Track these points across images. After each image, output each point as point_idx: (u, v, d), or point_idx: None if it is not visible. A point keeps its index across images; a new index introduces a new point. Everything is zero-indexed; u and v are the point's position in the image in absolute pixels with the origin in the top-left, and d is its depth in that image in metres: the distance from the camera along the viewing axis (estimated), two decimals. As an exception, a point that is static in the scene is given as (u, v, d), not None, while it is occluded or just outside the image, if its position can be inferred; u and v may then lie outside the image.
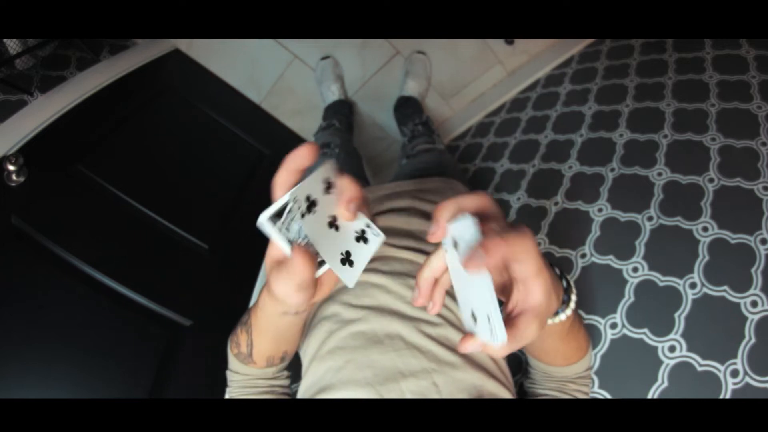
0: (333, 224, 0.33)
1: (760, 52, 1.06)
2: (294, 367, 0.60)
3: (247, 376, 0.55)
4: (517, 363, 0.66)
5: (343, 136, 1.26)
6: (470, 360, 0.52)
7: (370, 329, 0.52)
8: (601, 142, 1.14)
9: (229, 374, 0.57)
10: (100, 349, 0.82)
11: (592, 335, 0.78)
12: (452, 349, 0.52)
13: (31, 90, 1.03)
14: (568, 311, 0.40)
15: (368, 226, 0.35)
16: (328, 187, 0.32)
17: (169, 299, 0.94)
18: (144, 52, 1.37)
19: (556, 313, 0.40)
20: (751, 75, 1.02)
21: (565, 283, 0.39)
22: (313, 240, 0.30)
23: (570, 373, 0.53)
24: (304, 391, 0.53)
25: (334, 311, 0.56)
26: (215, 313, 1.00)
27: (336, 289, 0.58)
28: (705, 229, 0.80)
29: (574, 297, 0.40)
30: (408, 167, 1.02)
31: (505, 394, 0.51)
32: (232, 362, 0.55)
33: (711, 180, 0.87)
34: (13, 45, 0.99)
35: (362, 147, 1.78)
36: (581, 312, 0.83)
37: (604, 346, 0.76)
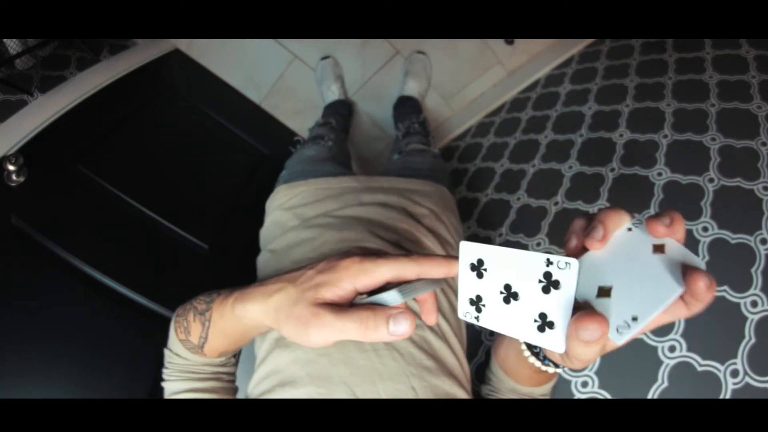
0: (508, 298, 0.28)
1: (760, 52, 1.06)
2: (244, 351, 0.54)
3: (191, 362, 0.49)
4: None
5: (338, 134, 1.25)
6: (444, 366, 0.51)
7: None
8: (601, 142, 1.14)
9: (168, 354, 0.50)
10: (100, 349, 0.82)
11: (592, 335, 0.78)
12: (429, 353, 0.51)
13: (31, 90, 1.03)
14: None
15: (550, 263, 0.25)
16: (479, 268, 0.29)
17: (169, 299, 0.94)
18: (144, 52, 1.37)
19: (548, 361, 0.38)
20: (751, 75, 1.02)
21: None
22: (506, 332, 0.28)
23: (537, 393, 0.51)
24: (262, 378, 0.49)
25: None
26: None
27: None
28: (705, 229, 0.80)
29: None
30: (399, 163, 1.01)
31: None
32: (176, 345, 0.49)
33: (711, 180, 0.87)
34: (13, 45, 0.99)
35: (361, 146, 1.78)
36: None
37: (604, 346, 0.76)
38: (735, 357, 0.64)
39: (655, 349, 0.71)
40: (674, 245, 0.27)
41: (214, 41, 1.51)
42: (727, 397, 0.62)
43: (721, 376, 0.64)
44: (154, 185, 1.10)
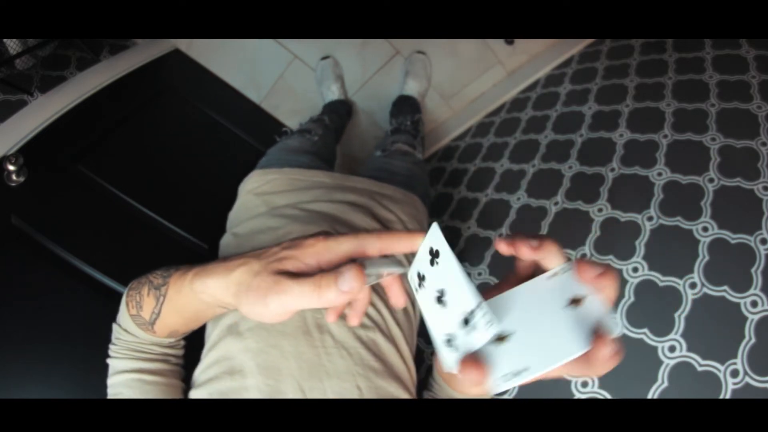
0: (440, 299, 0.28)
1: (760, 52, 1.06)
2: (193, 336, 0.52)
3: (140, 341, 0.48)
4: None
5: (327, 132, 1.22)
6: (390, 369, 0.52)
7: (301, 317, 0.50)
8: (601, 142, 1.14)
9: (116, 329, 0.49)
10: (100, 350, 0.81)
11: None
12: (377, 354, 0.51)
13: (31, 90, 1.03)
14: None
15: (479, 309, 0.25)
16: (434, 257, 0.29)
17: (169, 299, 0.94)
18: (144, 52, 1.37)
19: None
20: (751, 75, 1.02)
21: None
22: (425, 315, 0.29)
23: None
24: (210, 364, 0.48)
25: None
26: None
27: None
28: (705, 229, 0.80)
29: None
30: (378, 163, 0.99)
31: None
32: (125, 321, 0.47)
33: (711, 180, 0.87)
34: (13, 45, 0.99)
35: (359, 146, 1.78)
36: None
37: (604, 346, 0.76)
38: (735, 357, 0.64)
39: (655, 349, 0.71)
40: (594, 302, 0.26)
41: (214, 41, 1.51)
42: (727, 397, 0.62)
43: (721, 376, 0.64)
44: (154, 185, 1.10)
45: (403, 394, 0.51)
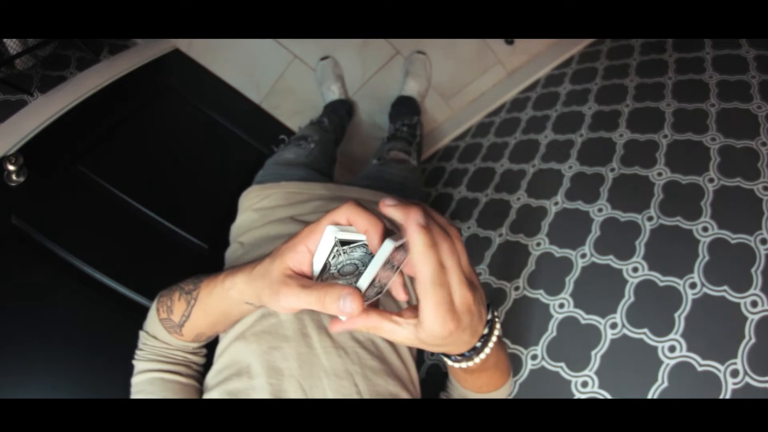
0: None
1: (760, 52, 1.06)
2: (211, 345, 0.57)
3: (166, 346, 0.53)
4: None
5: (326, 135, 1.23)
6: (389, 368, 0.53)
7: (300, 320, 0.53)
8: (601, 142, 1.14)
9: (143, 336, 0.54)
10: (100, 349, 0.82)
11: (592, 335, 0.78)
12: (375, 353, 0.53)
13: (31, 90, 1.03)
14: (477, 359, 0.38)
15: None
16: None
17: (169, 299, 0.94)
18: (144, 52, 1.37)
19: (464, 355, 0.37)
20: (751, 75, 1.02)
21: (486, 329, 0.36)
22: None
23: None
24: (220, 369, 0.52)
25: None
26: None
27: None
28: (705, 229, 0.80)
29: (494, 338, 0.37)
30: (374, 171, 1.02)
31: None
32: (154, 326, 0.52)
33: (711, 180, 0.87)
34: (13, 45, 0.99)
35: (360, 146, 1.78)
36: (582, 312, 0.83)
37: (604, 346, 0.76)
38: (735, 357, 0.64)
39: (655, 349, 0.71)
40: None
41: (214, 41, 1.51)
42: (727, 397, 0.62)
43: (721, 376, 0.64)
44: (154, 185, 1.10)
45: (401, 393, 0.52)
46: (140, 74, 1.29)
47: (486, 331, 0.36)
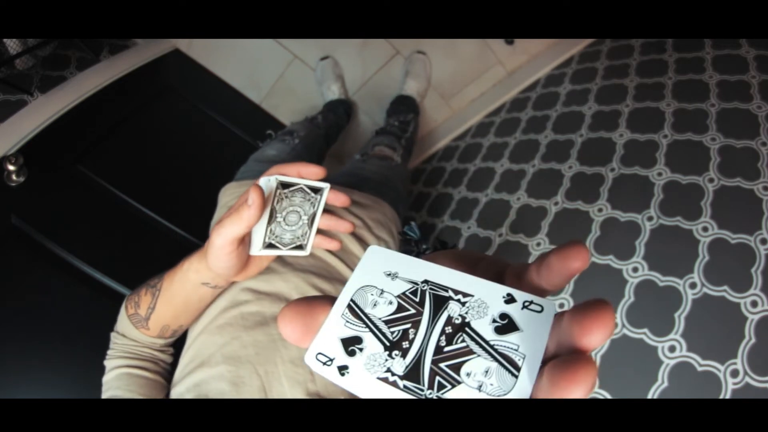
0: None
1: (760, 52, 1.06)
2: (178, 345, 0.60)
3: (134, 343, 0.55)
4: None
5: (315, 131, 1.19)
6: None
7: (259, 311, 0.54)
8: (601, 142, 1.14)
9: (114, 336, 0.57)
10: (100, 349, 0.82)
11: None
12: None
13: (31, 90, 1.03)
14: None
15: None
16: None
17: (169, 299, 0.94)
18: (144, 52, 1.37)
19: None
20: (751, 75, 1.02)
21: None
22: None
23: None
24: (186, 364, 0.53)
25: (230, 291, 0.57)
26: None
27: None
28: (705, 229, 0.80)
29: None
30: (353, 167, 0.99)
31: None
32: (123, 324, 0.55)
33: (711, 180, 0.87)
34: (13, 45, 0.99)
35: (361, 146, 1.78)
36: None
37: (604, 346, 0.76)
38: (735, 357, 0.64)
39: (655, 349, 0.71)
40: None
41: (214, 41, 1.51)
42: (727, 397, 0.62)
43: (721, 376, 0.64)
44: (154, 185, 1.10)
45: None
46: (140, 74, 1.29)
47: None
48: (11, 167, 0.83)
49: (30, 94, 1.02)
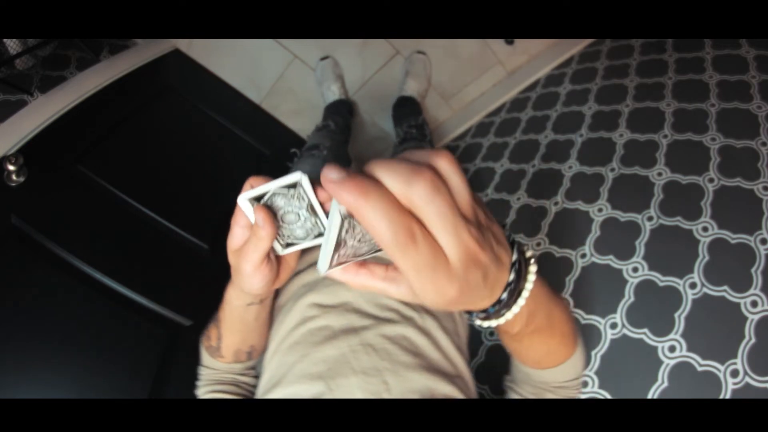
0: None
1: (760, 52, 1.06)
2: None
3: (215, 371, 0.58)
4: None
5: (336, 137, 1.23)
6: (427, 362, 0.52)
7: (327, 325, 0.54)
8: (601, 142, 1.14)
9: (200, 369, 0.60)
10: (100, 349, 0.82)
11: (592, 335, 0.78)
12: (407, 348, 0.52)
13: (31, 90, 1.03)
14: (509, 313, 0.29)
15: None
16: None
17: (170, 299, 0.94)
18: (144, 52, 1.37)
19: (488, 311, 0.29)
20: (751, 75, 1.02)
21: (512, 275, 0.27)
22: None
23: (549, 379, 0.48)
24: (263, 385, 0.54)
25: (298, 309, 0.57)
26: (216, 313, 1.00)
27: (301, 285, 0.60)
28: (705, 229, 0.80)
29: (528, 284, 0.28)
30: None
31: (459, 396, 0.50)
32: (204, 357, 0.59)
33: (711, 180, 0.87)
34: (13, 45, 0.99)
35: (362, 147, 1.78)
36: (582, 312, 0.83)
37: (604, 346, 0.76)
38: (735, 357, 0.64)
39: (655, 349, 0.71)
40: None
41: (214, 41, 1.51)
42: (727, 397, 0.62)
43: (721, 376, 0.64)
44: (154, 185, 1.10)
45: (442, 387, 0.50)
46: (140, 74, 1.29)
47: (512, 277, 0.26)
48: (11, 167, 0.83)
49: (30, 94, 1.02)
